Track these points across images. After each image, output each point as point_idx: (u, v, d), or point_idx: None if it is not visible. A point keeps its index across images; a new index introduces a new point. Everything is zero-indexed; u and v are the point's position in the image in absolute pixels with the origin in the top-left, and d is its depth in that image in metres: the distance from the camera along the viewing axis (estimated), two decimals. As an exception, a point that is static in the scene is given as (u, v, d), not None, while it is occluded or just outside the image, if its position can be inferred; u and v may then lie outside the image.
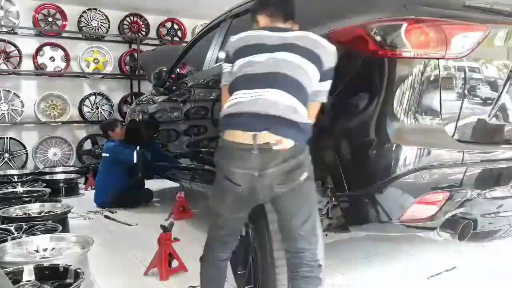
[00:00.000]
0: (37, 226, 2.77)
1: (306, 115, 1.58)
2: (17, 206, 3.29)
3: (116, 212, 4.16)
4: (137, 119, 4.65)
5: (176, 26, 7.35)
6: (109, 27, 6.75)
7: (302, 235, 1.60)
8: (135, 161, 4.34)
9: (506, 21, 1.90)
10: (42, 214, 3.17)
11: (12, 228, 2.71)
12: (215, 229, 1.72)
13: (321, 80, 1.66)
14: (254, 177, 1.50)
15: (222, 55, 3.15)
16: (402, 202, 1.72)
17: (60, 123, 6.40)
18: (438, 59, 1.71)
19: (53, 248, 2.42)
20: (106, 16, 6.71)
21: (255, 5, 1.92)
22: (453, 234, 1.79)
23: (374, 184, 1.73)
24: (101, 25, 6.69)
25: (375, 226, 1.84)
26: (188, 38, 7.20)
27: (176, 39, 7.31)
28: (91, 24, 6.61)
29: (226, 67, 1.76)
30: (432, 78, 1.71)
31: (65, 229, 3.00)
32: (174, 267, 2.54)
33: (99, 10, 6.65)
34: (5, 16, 6.04)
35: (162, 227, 2.54)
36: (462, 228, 1.78)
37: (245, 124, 1.52)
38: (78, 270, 1.98)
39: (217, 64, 3.12)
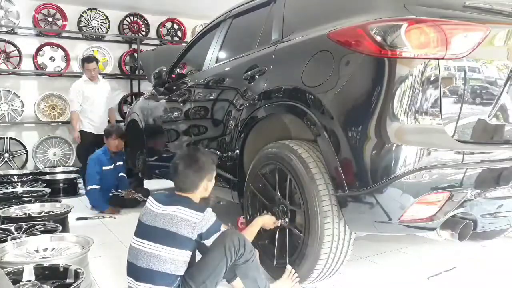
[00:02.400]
0: (37, 226, 2.76)
1: None
2: (17, 206, 3.28)
3: (115, 218, 4.10)
4: (137, 119, 4.65)
5: (176, 26, 7.35)
6: (109, 27, 6.74)
7: None
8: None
9: (506, 21, 1.91)
10: (42, 214, 3.16)
11: (12, 228, 2.71)
12: None
13: None
14: None
15: (222, 55, 3.16)
16: (402, 202, 1.72)
17: (60, 123, 6.40)
18: (438, 59, 1.71)
19: (53, 248, 2.42)
20: (106, 16, 6.71)
21: None
22: (453, 234, 1.79)
23: (374, 184, 1.73)
24: (101, 25, 6.68)
25: (375, 226, 1.84)
26: (188, 38, 7.20)
27: (176, 39, 7.30)
28: (91, 24, 6.61)
29: None
30: (432, 78, 1.71)
31: (65, 229, 3.00)
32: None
33: (99, 10, 6.64)
34: (5, 16, 6.04)
35: None
36: (462, 228, 1.78)
37: None
38: (78, 270, 1.98)
39: (217, 64, 3.13)
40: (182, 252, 1.81)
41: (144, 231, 1.89)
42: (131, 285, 1.86)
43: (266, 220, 2.20)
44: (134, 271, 1.85)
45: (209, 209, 1.88)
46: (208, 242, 1.86)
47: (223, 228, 1.90)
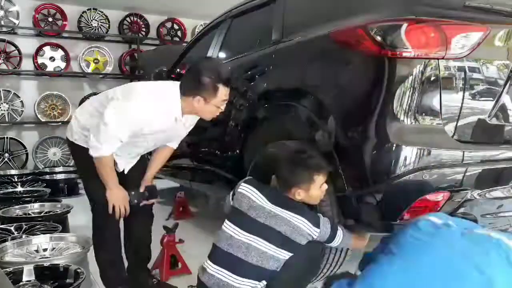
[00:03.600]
0: (37, 226, 2.77)
1: None
2: (17, 206, 3.29)
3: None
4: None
5: (176, 26, 7.35)
6: (109, 27, 6.74)
7: None
8: None
9: (506, 21, 1.91)
10: (42, 214, 3.17)
11: (12, 228, 2.71)
12: None
13: None
14: None
15: (222, 55, 3.16)
16: (402, 202, 1.72)
17: (60, 123, 6.40)
18: (438, 59, 1.71)
19: (53, 248, 2.42)
20: (106, 16, 6.71)
21: None
22: (453, 234, 1.79)
23: (374, 184, 1.73)
24: (101, 25, 6.68)
25: (376, 226, 1.84)
26: (188, 38, 7.19)
27: (176, 39, 7.30)
28: (91, 24, 6.60)
29: None
30: (432, 78, 1.71)
31: (65, 229, 3.00)
32: (179, 268, 2.54)
33: (99, 10, 6.64)
34: (5, 16, 6.03)
35: (166, 228, 2.52)
36: (462, 228, 1.78)
37: None
38: (78, 270, 1.98)
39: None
40: (289, 254, 1.77)
41: (257, 227, 1.78)
42: (223, 277, 1.73)
43: None
44: (232, 262, 1.75)
45: (322, 221, 1.80)
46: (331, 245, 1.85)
47: (341, 229, 1.86)
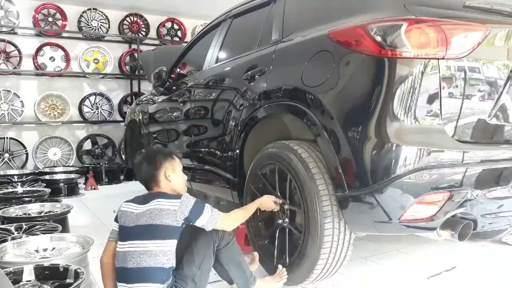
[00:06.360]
0: (37, 226, 2.76)
1: None
2: (17, 206, 3.28)
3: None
4: (137, 119, 4.66)
5: (176, 26, 7.36)
6: (109, 27, 6.75)
7: None
8: None
9: (506, 21, 1.91)
10: (42, 214, 3.16)
11: (12, 228, 2.71)
12: None
13: None
14: None
15: (222, 55, 3.16)
16: (402, 202, 1.72)
17: (60, 123, 6.40)
18: (438, 59, 1.71)
19: (53, 248, 2.42)
20: (106, 16, 6.71)
21: None
22: (453, 234, 1.79)
23: (374, 184, 1.73)
24: (101, 25, 6.69)
25: (375, 226, 1.84)
26: (188, 38, 7.20)
27: (176, 39, 7.31)
28: (91, 24, 6.61)
29: None
30: (432, 78, 1.71)
31: (65, 229, 3.00)
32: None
33: (99, 10, 6.65)
34: (5, 16, 6.04)
35: None
36: (462, 228, 1.78)
37: None
38: (78, 270, 1.98)
39: (217, 64, 3.13)
40: (170, 242, 1.82)
41: (128, 233, 1.86)
42: None
43: (265, 199, 2.18)
44: (125, 274, 1.81)
45: (186, 194, 1.92)
46: (198, 223, 1.87)
47: (209, 207, 1.90)
